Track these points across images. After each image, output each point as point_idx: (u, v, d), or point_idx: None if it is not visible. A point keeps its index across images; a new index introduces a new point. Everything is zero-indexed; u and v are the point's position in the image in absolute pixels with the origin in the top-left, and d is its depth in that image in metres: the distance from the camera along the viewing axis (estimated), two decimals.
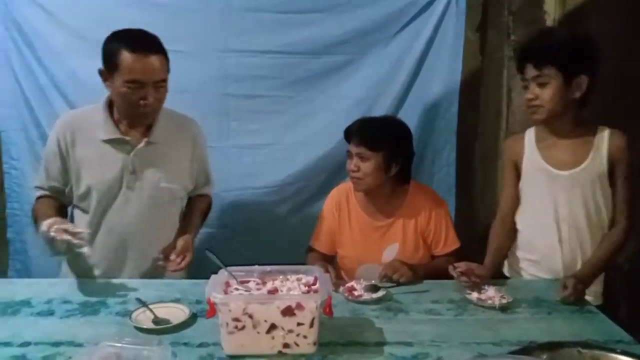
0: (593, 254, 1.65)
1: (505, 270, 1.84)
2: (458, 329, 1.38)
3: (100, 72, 1.65)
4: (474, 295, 1.54)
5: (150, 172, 1.72)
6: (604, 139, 1.62)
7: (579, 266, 1.66)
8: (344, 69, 2.38)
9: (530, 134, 1.75)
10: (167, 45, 2.25)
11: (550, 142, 1.69)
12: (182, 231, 1.78)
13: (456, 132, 2.46)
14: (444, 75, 2.40)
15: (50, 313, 1.44)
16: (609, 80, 1.68)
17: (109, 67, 1.62)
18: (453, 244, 1.90)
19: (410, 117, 2.27)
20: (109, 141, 1.69)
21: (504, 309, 1.49)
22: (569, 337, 1.31)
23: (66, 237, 1.43)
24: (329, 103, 2.40)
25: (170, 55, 2.26)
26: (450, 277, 1.61)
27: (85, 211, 1.72)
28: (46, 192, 1.74)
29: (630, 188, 1.62)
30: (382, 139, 1.81)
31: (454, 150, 2.48)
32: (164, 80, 1.67)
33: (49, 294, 1.55)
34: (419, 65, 2.40)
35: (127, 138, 1.70)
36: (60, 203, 1.74)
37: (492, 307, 1.49)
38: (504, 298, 1.51)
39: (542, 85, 1.59)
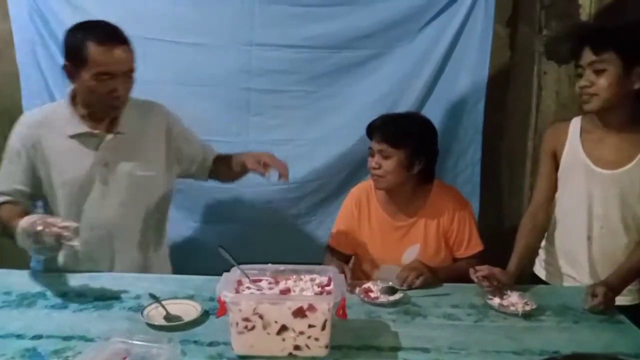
0: (625, 261, 1.57)
1: (538, 266, 1.78)
2: (478, 336, 1.32)
3: (65, 67, 1.60)
4: (496, 300, 1.48)
5: (123, 164, 1.68)
6: None
7: (607, 268, 1.58)
8: (367, 64, 2.32)
9: (576, 123, 1.65)
10: (190, 39, 2.28)
11: (596, 136, 1.59)
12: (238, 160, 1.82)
13: (482, 130, 2.38)
14: (471, 71, 2.32)
15: (64, 306, 1.44)
16: None
17: (75, 61, 1.56)
18: (476, 246, 1.83)
19: (434, 114, 2.20)
20: (77, 136, 1.65)
21: (527, 316, 1.42)
22: (597, 348, 1.24)
23: (55, 229, 1.34)
24: (351, 99, 2.35)
25: (193, 48, 2.29)
26: (472, 281, 1.55)
27: (58, 211, 1.65)
28: (9, 198, 1.66)
29: None
30: (405, 136, 1.76)
31: (480, 149, 2.40)
32: (132, 71, 1.62)
33: (64, 287, 1.55)
34: (445, 61, 2.32)
35: (95, 132, 1.66)
36: (23, 209, 1.62)
37: (514, 314, 1.43)
38: (528, 305, 1.45)
39: (599, 72, 1.49)
